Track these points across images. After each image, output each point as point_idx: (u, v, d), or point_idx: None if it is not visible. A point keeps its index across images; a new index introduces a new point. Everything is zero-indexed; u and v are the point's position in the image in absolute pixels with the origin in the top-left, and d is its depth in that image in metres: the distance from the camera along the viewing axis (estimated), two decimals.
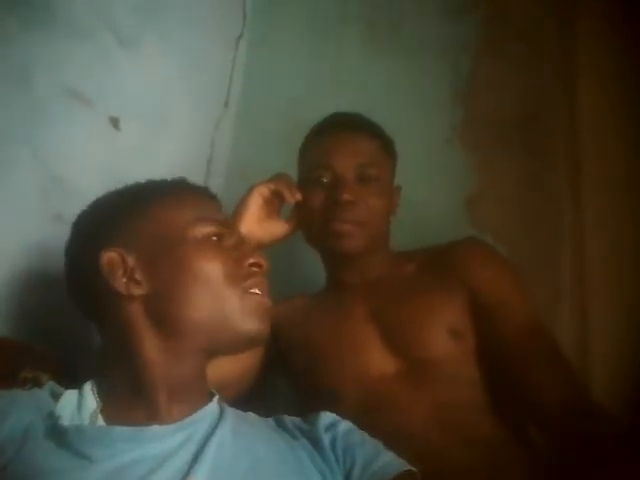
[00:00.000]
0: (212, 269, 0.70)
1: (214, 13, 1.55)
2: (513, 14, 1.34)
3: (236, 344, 0.73)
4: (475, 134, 1.32)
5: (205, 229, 0.72)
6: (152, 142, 1.32)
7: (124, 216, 0.73)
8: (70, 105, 1.12)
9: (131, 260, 0.69)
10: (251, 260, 0.72)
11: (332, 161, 1.03)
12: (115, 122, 1.22)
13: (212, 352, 0.73)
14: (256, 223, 1.04)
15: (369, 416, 0.88)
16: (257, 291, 0.72)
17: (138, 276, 0.69)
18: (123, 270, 0.69)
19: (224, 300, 0.69)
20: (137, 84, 1.28)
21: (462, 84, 1.35)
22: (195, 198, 0.75)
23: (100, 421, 0.68)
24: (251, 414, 0.78)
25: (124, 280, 0.69)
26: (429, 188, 1.32)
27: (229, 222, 0.78)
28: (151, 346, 0.68)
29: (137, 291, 0.69)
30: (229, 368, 0.81)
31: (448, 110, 1.35)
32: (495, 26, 1.35)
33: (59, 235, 1.02)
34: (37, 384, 0.84)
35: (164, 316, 0.69)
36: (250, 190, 1.05)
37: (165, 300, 0.69)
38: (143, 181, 0.78)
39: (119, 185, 0.78)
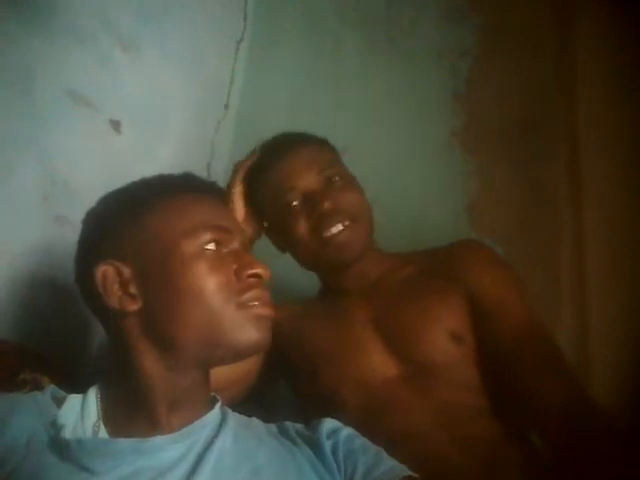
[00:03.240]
0: (205, 285, 0.67)
1: (215, 18, 1.56)
2: (512, 18, 1.34)
3: (235, 355, 0.70)
4: (475, 138, 1.32)
5: (201, 238, 0.68)
6: (153, 145, 1.32)
7: (121, 223, 0.70)
8: (71, 108, 1.12)
9: (127, 272, 0.67)
10: (250, 271, 0.69)
11: (295, 182, 1.01)
12: (116, 125, 1.22)
13: (211, 363, 0.72)
14: (243, 223, 1.03)
15: (370, 419, 0.88)
16: (255, 303, 0.69)
17: (133, 290, 0.67)
18: (119, 284, 0.67)
19: (217, 315, 0.67)
20: (138, 87, 1.29)
21: (462, 88, 1.36)
22: (196, 200, 0.72)
23: (102, 432, 0.67)
24: (254, 419, 0.78)
25: (119, 294, 0.67)
26: (429, 192, 1.32)
27: (233, 222, 0.75)
28: (149, 360, 0.67)
29: (131, 306, 0.67)
30: (227, 371, 0.81)
31: (448, 114, 1.35)
32: (494, 30, 1.36)
33: (60, 237, 1.03)
34: (37, 387, 0.84)
35: (157, 332, 0.67)
36: (230, 196, 1.05)
37: (157, 316, 0.67)
38: (147, 178, 0.75)
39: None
